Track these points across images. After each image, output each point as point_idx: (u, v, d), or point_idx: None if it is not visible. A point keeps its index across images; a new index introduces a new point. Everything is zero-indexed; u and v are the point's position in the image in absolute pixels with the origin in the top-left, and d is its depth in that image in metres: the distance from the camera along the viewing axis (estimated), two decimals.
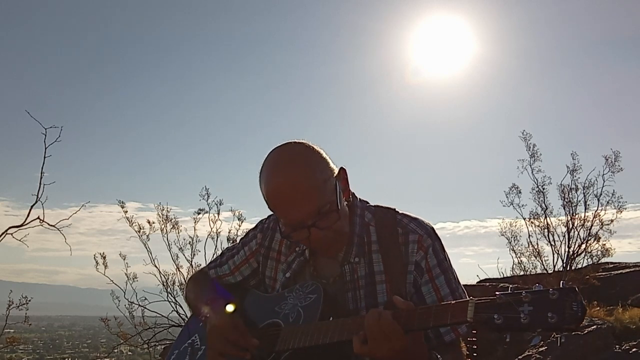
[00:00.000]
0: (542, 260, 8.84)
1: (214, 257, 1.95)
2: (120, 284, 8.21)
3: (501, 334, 1.14)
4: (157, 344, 8.47)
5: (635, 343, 5.38)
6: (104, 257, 8.18)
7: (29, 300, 6.59)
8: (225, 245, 8.33)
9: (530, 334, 1.12)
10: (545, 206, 8.84)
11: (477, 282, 9.10)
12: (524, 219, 9.00)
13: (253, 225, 1.83)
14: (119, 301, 8.26)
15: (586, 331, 5.41)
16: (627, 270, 8.59)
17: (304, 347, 1.41)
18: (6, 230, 6.11)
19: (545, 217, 8.82)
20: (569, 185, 8.80)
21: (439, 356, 1.39)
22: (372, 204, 1.64)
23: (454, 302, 1.24)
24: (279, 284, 1.67)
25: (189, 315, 1.96)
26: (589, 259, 8.66)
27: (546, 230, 8.78)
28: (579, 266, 8.66)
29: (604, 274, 8.49)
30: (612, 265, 9.12)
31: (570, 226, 8.64)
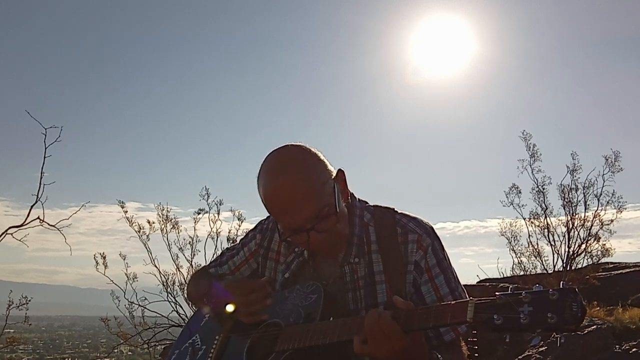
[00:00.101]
0: (542, 260, 8.85)
1: (214, 257, 1.95)
2: (120, 284, 8.22)
3: (501, 334, 1.14)
4: (157, 344, 8.47)
5: (635, 343, 5.38)
6: (104, 257, 8.18)
7: (29, 300, 6.59)
8: (225, 245, 8.33)
9: (530, 334, 1.12)
10: (545, 206, 8.85)
11: (477, 282, 9.10)
12: (524, 219, 9.00)
13: (253, 226, 1.83)
14: (119, 301, 8.26)
15: (586, 331, 5.41)
16: (627, 270, 8.58)
17: (304, 347, 1.41)
18: (6, 230, 6.11)
19: (545, 217, 8.82)
20: (569, 185, 8.80)
21: (439, 356, 1.39)
22: (371, 204, 1.64)
23: (454, 302, 1.24)
24: (278, 284, 1.67)
25: (189, 315, 1.96)
26: (589, 259, 8.66)
27: (546, 230, 8.78)
28: (579, 266, 8.66)
29: (604, 274, 8.49)
30: (612, 265, 9.12)
31: (570, 226, 8.64)
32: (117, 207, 8.64)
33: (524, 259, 9.02)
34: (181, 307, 8.20)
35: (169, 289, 8.42)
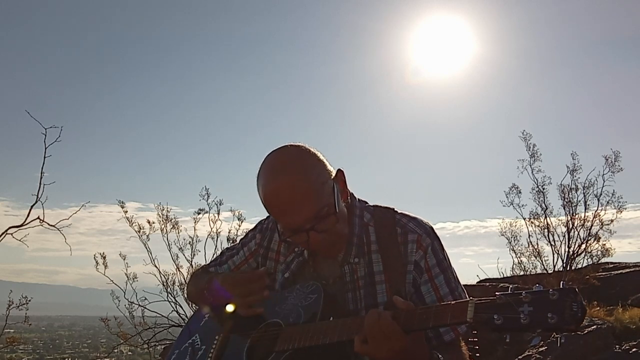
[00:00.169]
0: (542, 260, 8.85)
1: (214, 256, 1.95)
2: (120, 284, 8.21)
3: (501, 334, 1.14)
4: (157, 344, 8.47)
5: (635, 343, 5.38)
6: (104, 257, 8.17)
7: (29, 300, 6.59)
8: (225, 245, 8.33)
9: (530, 334, 1.12)
10: (545, 206, 8.84)
11: (477, 282, 9.10)
12: (524, 219, 9.00)
13: (253, 226, 1.83)
14: (119, 301, 8.26)
15: (586, 331, 5.41)
16: (627, 270, 8.58)
17: (304, 347, 1.41)
18: (6, 230, 6.11)
19: (545, 217, 8.82)
20: (569, 185, 8.80)
21: (440, 356, 1.39)
22: (371, 204, 1.64)
23: (454, 302, 1.24)
24: (277, 284, 1.67)
25: (189, 315, 1.96)
26: (589, 259, 8.66)
27: (546, 230, 8.78)
28: (579, 266, 8.65)
29: (604, 274, 8.48)
30: (612, 265, 9.12)
31: (570, 226, 8.63)
32: (117, 207, 8.65)
33: (524, 259, 9.02)
34: (181, 307, 8.21)
35: (169, 289, 8.42)
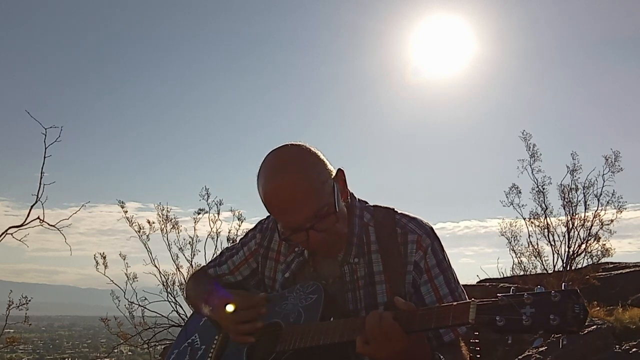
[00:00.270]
0: (542, 260, 8.85)
1: (214, 256, 1.95)
2: (120, 284, 8.21)
3: (503, 335, 1.14)
4: (157, 344, 8.47)
5: (635, 343, 5.38)
6: (104, 257, 8.18)
7: (29, 300, 6.59)
8: (225, 245, 8.33)
9: (531, 335, 1.12)
10: (545, 206, 8.85)
11: (477, 282, 9.10)
12: (524, 219, 9.01)
13: (253, 226, 1.83)
14: (119, 301, 8.26)
15: (586, 331, 5.40)
16: (627, 270, 8.59)
17: (304, 348, 1.41)
18: (6, 230, 6.11)
19: (545, 217, 8.82)
20: (569, 185, 8.80)
21: (441, 357, 1.39)
22: (371, 204, 1.64)
23: (456, 303, 1.23)
24: (278, 284, 1.67)
25: (189, 315, 1.96)
26: (589, 259, 8.67)
27: (546, 230, 8.78)
28: (579, 266, 8.66)
29: (604, 274, 8.49)
30: (612, 265, 9.13)
31: (570, 226, 8.64)
32: (117, 207, 8.65)
33: (524, 259, 9.03)
34: (181, 307, 8.21)
35: (169, 289, 8.42)
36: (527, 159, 8.91)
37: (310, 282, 1.56)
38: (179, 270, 8.49)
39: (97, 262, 8.12)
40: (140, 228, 8.50)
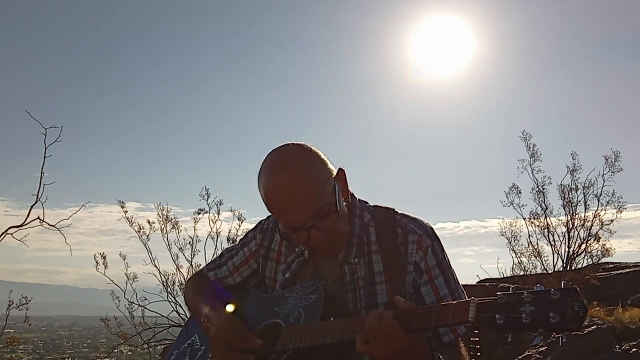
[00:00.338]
0: (542, 260, 8.86)
1: (214, 257, 1.94)
2: (120, 284, 8.22)
3: (503, 334, 1.14)
4: (157, 344, 8.47)
5: (635, 343, 5.38)
6: (104, 257, 8.19)
7: (29, 300, 6.60)
8: (225, 245, 8.34)
9: (531, 334, 1.12)
10: (545, 206, 8.85)
11: (477, 282, 9.10)
12: (524, 219, 9.02)
13: (253, 226, 1.82)
14: (119, 301, 8.27)
15: (586, 331, 5.40)
16: (627, 270, 8.59)
17: (304, 348, 1.41)
18: (6, 230, 6.12)
19: (545, 217, 8.83)
20: (569, 185, 8.81)
21: (440, 357, 1.39)
22: (372, 204, 1.64)
23: (455, 302, 1.24)
24: (278, 284, 1.67)
25: (189, 315, 1.96)
26: (589, 259, 8.68)
27: (546, 230, 8.79)
28: (579, 266, 8.66)
29: (604, 274, 8.49)
30: (612, 265, 9.13)
31: (570, 226, 8.64)
32: (117, 207, 8.66)
33: (524, 259, 9.04)
34: (181, 307, 8.21)
35: (169, 289, 8.43)
36: (527, 159, 8.93)
37: (309, 282, 1.56)
38: (179, 271, 8.50)
39: (97, 262, 8.14)
40: (140, 228, 8.52)
